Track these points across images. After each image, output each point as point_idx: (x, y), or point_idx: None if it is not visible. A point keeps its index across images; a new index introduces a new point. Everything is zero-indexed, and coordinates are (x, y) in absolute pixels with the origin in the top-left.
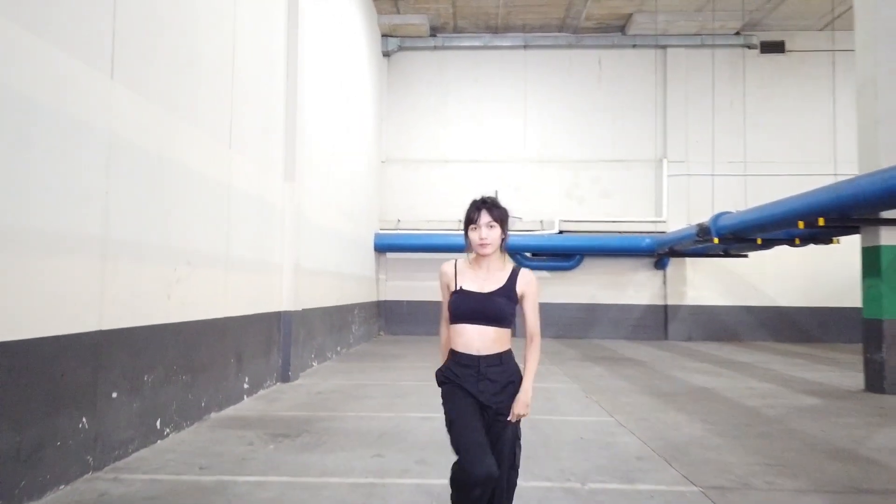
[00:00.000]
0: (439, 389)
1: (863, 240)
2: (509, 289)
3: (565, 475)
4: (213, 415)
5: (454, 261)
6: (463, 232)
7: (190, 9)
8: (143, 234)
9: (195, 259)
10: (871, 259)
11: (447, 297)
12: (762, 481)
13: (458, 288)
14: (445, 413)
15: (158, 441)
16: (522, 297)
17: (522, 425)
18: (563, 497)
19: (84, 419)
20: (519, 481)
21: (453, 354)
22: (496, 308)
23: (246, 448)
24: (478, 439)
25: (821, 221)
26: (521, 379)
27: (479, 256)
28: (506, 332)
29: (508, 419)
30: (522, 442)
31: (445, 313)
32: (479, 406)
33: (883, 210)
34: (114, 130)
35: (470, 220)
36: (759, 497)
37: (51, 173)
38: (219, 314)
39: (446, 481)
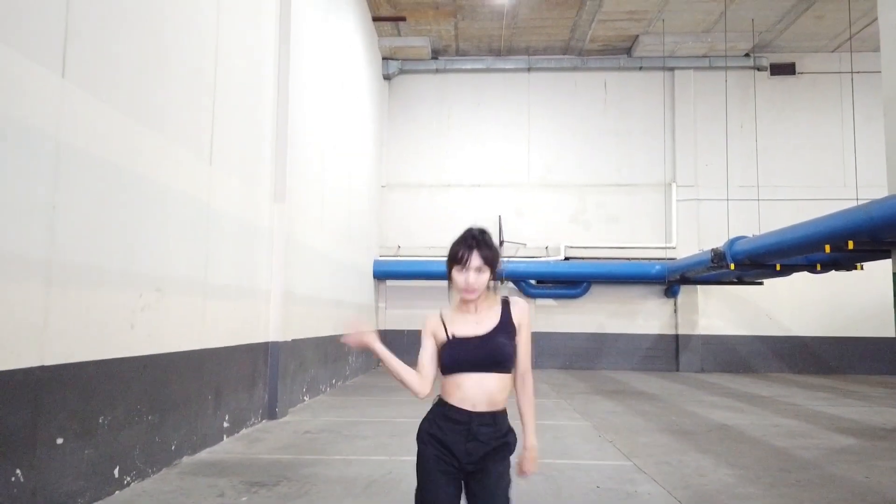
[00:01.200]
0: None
1: (895, 264)
2: (506, 323)
3: None
4: (185, 459)
5: (438, 311)
6: (446, 268)
7: (160, 10)
8: (100, 257)
9: (166, 285)
10: None
11: (429, 347)
12: None
13: (450, 337)
14: (419, 486)
15: (116, 492)
16: (519, 327)
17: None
18: None
19: (18, 471)
20: None
21: (443, 406)
22: (497, 349)
23: (215, 500)
24: None
25: (850, 245)
26: (514, 440)
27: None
28: (507, 379)
29: (521, 473)
30: (531, 489)
31: (426, 367)
32: (457, 471)
33: None
34: (65, 137)
35: (456, 258)
36: None
37: None
38: (195, 345)
39: None
